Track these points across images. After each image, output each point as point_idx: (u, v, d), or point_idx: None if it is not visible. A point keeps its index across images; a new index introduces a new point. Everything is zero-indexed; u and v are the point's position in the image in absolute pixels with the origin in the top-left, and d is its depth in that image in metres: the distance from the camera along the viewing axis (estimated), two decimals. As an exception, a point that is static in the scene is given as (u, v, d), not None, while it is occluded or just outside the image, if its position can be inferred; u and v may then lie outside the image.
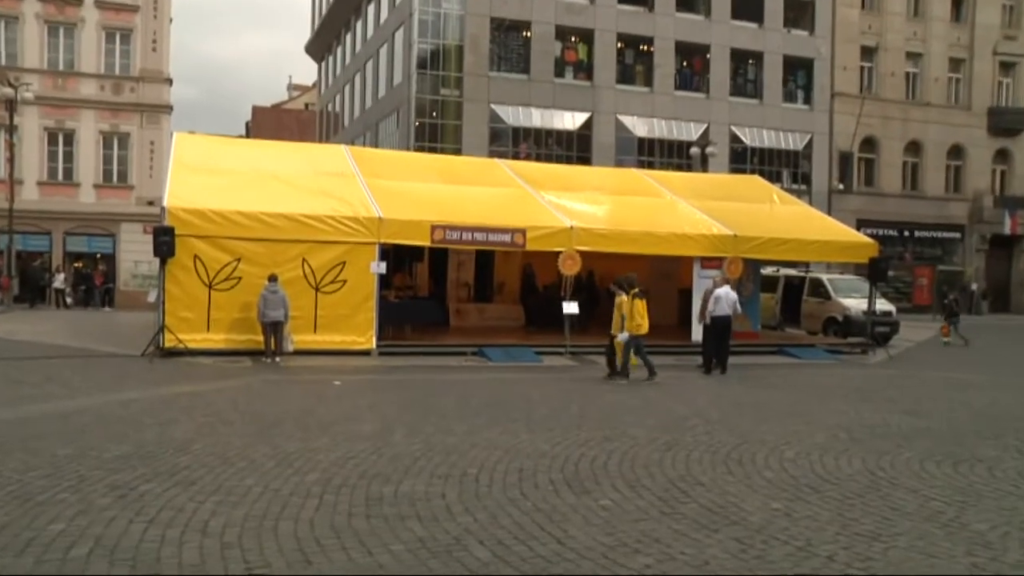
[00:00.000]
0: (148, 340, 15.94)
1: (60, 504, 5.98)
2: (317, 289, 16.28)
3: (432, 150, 34.10)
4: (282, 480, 6.83)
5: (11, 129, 30.09)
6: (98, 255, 34.46)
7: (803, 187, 40.40)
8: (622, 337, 13.90)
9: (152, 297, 17.20)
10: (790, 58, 40.65)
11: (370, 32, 44.06)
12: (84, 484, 6.51)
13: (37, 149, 33.32)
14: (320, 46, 56.00)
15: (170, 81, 35.00)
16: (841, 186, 41.17)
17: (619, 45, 38.29)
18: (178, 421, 9.24)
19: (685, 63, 39.58)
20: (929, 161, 42.89)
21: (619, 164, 35.61)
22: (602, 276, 24.88)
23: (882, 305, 22.75)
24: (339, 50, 51.99)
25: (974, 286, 41.73)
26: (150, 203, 32.32)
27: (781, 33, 40.41)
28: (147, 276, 31.43)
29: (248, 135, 63.29)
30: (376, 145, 40.05)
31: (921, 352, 21.71)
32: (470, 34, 36.01)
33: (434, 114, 36.33)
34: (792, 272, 25.68)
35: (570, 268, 17.55)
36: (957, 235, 43.59)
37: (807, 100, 41.36)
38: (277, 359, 15.24)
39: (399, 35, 37.94)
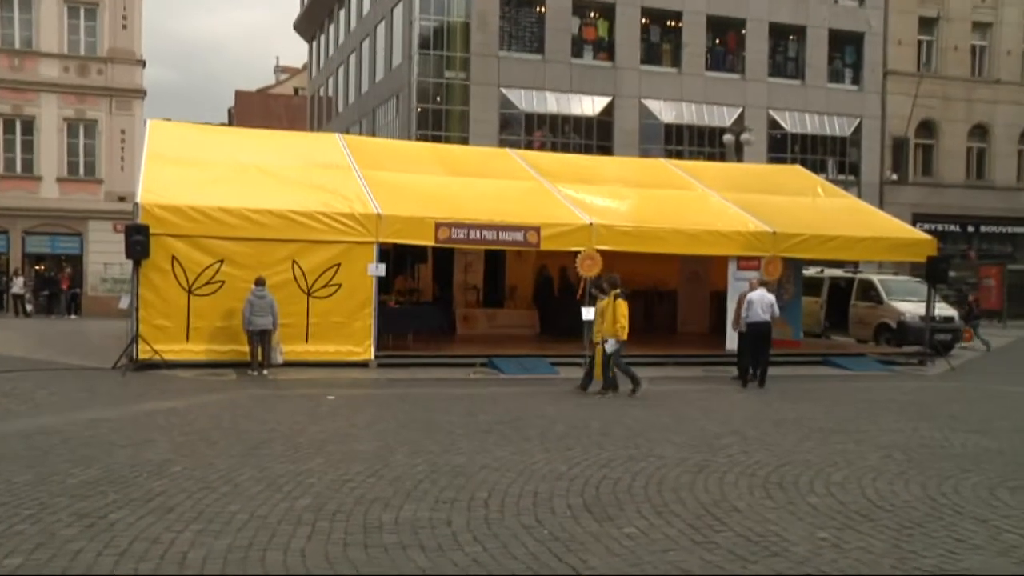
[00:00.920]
0: (120, 352, 16.02)
1: (18, 536, 5.99)
2: (309, 294, 16.34)
3: (436, 139, 34.19)
4: (270, 506, 6.86)
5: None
6: (63, 257, 34.65)
7: (851, 178, 40.29)
8: (610, 346, 13.89)
9: (124, 303, 17.30)
10: (837, 32, 40.54)
11: (366, 8, 44.24)
12: (46, 513, 6.54)
13: (-9, 138, 33.45)
14: (310, 24, 56.25)
15: (143, 62, 35.16)
16: (895, 176, 41.00)
17: (643, 21, 38.29)
18: (154, 441, 9.29)
19: (717, 40, 39.54)
20: (998, 147, 42.55)
21: (644, 154, 35.58)
22: (626, 278, 24.91)
23: (942, 310, 22.65)
24: (332, 28, 52.22)
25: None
26: (121, 199, 32.52)
27: (827, 4, 40.30)
28: (118, 280, 31.65)
29: (231, 123, 63.59)
30: (374, 134, 40.16)
31: (989, 363, 21.59)
32: (477, 10, 36.09)
33: (438, 99, 36.41)
34: (839, 273, 25.60)
35: (589, 269, 17.54)
36: (1030, 230, 43.28)
37: (856, 80, 41.24)
38: (264, 372, 15.30)
39: (398, 11, 38.06)
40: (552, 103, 37.10)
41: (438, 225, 16.89)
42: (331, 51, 52.35)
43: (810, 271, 24.68)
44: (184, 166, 17.43)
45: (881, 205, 34.26)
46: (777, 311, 15.93)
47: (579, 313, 17.05)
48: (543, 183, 19.91)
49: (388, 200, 17.18)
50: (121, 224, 26.69)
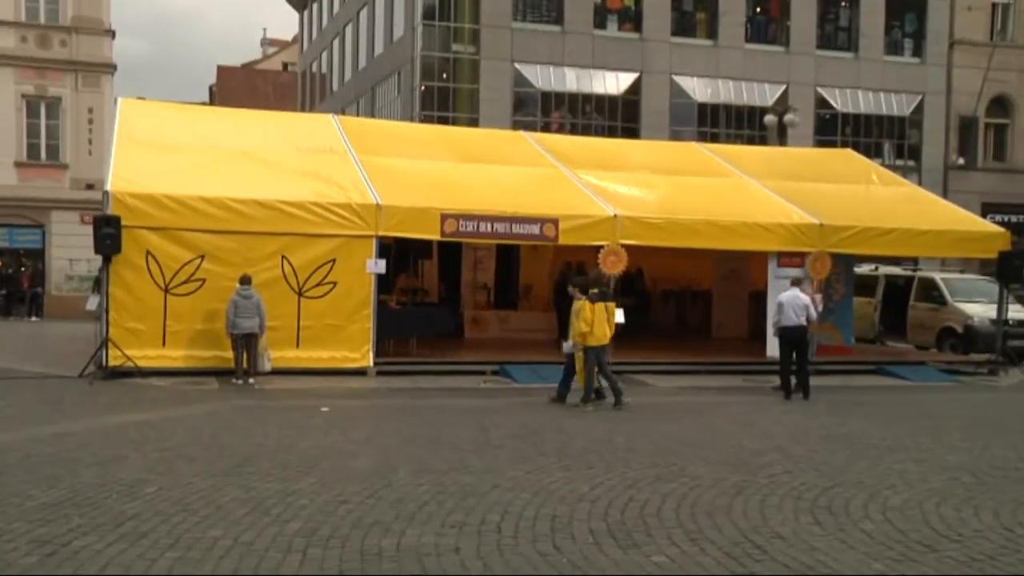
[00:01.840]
0: (87, 358, 16.10)
1: (-27, 564, 6.05)
2: (300, 293, 16.39)
3: (442, 121, 34.23)
4: (257, 531, 6.89)
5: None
6: (22, 252, 34.76)
7: (911, 163, 40.14)
8: (567, 347, 13.98)
9: (92, 304, 17.42)
10: (895, -3, 40.36)
11: (363, -28, 44.35)
12: (1, 540, 6.57)
13: (-62, 117, 33.26)
14: (300, -10, 56.44)
15: (112, 32, 35.21)
16: (962, 161, 40.80)
17: (676, -14, 38.28)
18: (126, 459, 9.34)
19: (759, 8, 39.46)
20: (1083, 127, 42.13)
21: (675, 137, 35.55)
22: (654, 276, 25.04)
23: (1016, 312, 22.51)
24: (324, -5, 52.39)
25: None
26: (89, 186, 32.64)
27: (883, -35, 40.15)
28: (85, 278, 31.76)
29: (213, 102, 63.82)
30: (372, 114, 40.29)
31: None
32: (488, -26, 36.13)
33: (444, 76, 36.47)
34: (896, 271, 25.50)
35: (613, 267, 17.53)
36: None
37: (917, 51, 41.04)
38: (250, 380, 15.35)
39: (399, -24, 38.18)
40: (572, 80, 37.11)
41: (444, 217, 16.90)
42: (325, 22, 52.50)
43: (863, 269, 24.57)
44: (160, 150, 17.50)
45: (945, 194, 34.10)
46: (814, 313, 15.84)
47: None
48: (562, 170, 19.91)
49: (389, 189, 17.21)
50: (89, 215, 26.79)
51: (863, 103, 40.38)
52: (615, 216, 17.73)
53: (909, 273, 25.28)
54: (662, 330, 24.36)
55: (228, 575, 5.94)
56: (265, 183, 16.89)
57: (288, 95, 60.71)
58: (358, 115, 41.70)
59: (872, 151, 36.62)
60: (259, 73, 69.60)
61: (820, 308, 17.13)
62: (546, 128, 34.51)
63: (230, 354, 15.52)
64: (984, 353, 21.15)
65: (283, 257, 16.28)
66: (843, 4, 40.23)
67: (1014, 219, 38.30)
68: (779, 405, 14.80)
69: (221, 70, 68.54)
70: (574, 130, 34.84)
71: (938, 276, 24.73)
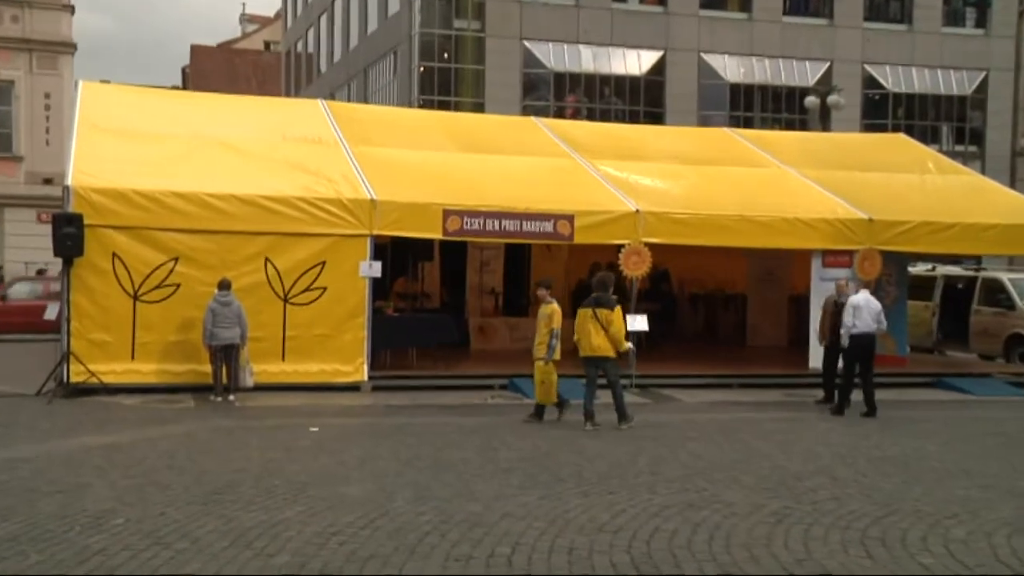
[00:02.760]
0: (47, 373, 16.11)
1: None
2: (286, 300, 16.42)
3: (444, 106, 34.33)
4: (238, 566, 6.90)
5: None
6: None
7: (973, 148, 40.11)
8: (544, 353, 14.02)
9: (51, 313, 17.44)
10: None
11: (353, -61, 44.47)
12: (-49, 579, 6.62)
13: None
14: (283, -40, 56.61)
15: (71, 8, 35.36)
16: (1030, 146, 40.72)
17: (705, -48, 38.30)
18: (89, 486, 9.35)
19: (799, -24, 39.47)
20: None
21: (704, 122, 35.59)
22: (682, 278, 25.02)
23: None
24: (310, -35, 52.52)
25: None
26: (47, 181, 32.77)
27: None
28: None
29: (186, 86, 64.08)
30: (366, 99, 40.40)
31: None
32: (494, -60, 36.21)
33: (445, 55, 36.56)
34: (956, 271, 25.41)
35: (636, 268, 17.54)
36: None
37: (981, 22, 41.01)
38: (231, 397, 15.38)
39: (394, -57, 38.27)
40: (588, 60, 37.16)
41: (447, 213, 16.93)
42: (310, -5, 52.66)
43: (918, 268, 24.50)
44: (127, 140, 17.55)
45: (1013, 183, 34.02)
46: (885, 322, 15.84)
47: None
48: (577, 160, 19.93)
49: (384, 182, 17.24)
50: (47, 213, 26.89)
51: (918, 82, 40.33)
52: (637, 211, 17.73)
53: (971, 273, 25.15)
54: (690, 338, 24.34)
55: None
56: (246, 176, 16.93)
57: (270, 78, 60.94)
58: (349, 100, 41.82)
59: (928, 136, 36.62)
60: (238, 53, 69.85)
61: None
62: (560, 114, 34.61)
63: (207, 368, 15.54)
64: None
65: (266, 259, 16.31)
66: (894, -29, 40.21)
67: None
68: (824, 422, 14.76)
69: (195, 50, 68.78)
70: (591, 115, 34.92)
71: (1005, 277, 24.61)
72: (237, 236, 16.21)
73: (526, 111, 32.86)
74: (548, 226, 17.47)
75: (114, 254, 15.77)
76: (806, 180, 20.40)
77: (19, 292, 27.04)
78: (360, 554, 7.20)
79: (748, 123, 36.26)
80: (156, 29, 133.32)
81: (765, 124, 36.61)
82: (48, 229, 16.30)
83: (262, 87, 56.53)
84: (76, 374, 15.59)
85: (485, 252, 22.50)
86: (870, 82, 39.55)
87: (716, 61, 38.15)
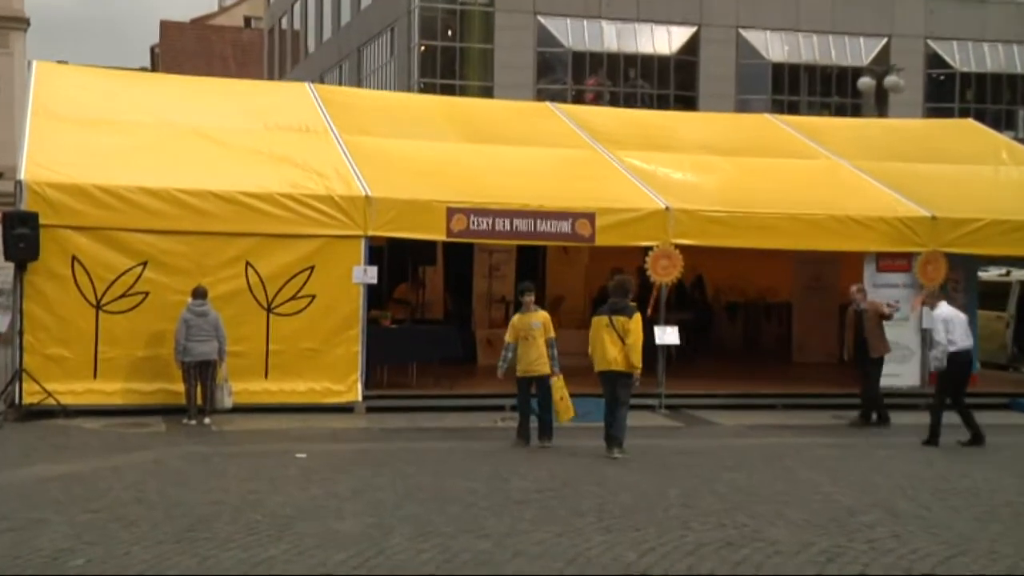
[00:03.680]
0: (-1, 393, 16.15)
1: None
2: (269, 310, 16.42)
3: (447, 90, 34.36)
4: (216, 610, 6.90)
5: None
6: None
7: (1050, 137, 39.92)
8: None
9: (2, 326, 17.46)
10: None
11: (346, -97, 44.59)
12: None
13: None
14: (268, -73, 56.76)
15: (24, -23, 35.45)
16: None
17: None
18: (46, 523, 9.32)
19: (850, -58, 39.43)
20: None
21: (743, 107, 35.57)
22: (718, 285, 24.96)
23: None
24: (297, -67, 52.67)
25: None
26: (-3, 175, 32.80)
27: None
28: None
29: (156, 67, 64.22)
30: (359, 83, 40.47)
31: None
32: (504, -97, 36.27)
33: (449, 33, 36.62)
34: (1034, 277, 25.31)
35: (665, 273, 17.52)
36: None
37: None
38: (206, 420, 15.38)
39: (392, -93, 38.35)
40: (611, 37, 37.17)
41: (451, 211, 16.93)
42: (297, -35, 52.81)
43: (990, 274, 24.41)
44: (88, 128, 17.55)
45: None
46: (971, 336, 15.73)
47: (651, 335, 17.03)
48: (599, 151, 19.93)
49: (381, 177, 17.25)
50: (-1, 212, 26.87)
51: (990, 59, 40.20)
52: (667, 209, 17.71)
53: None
54: (728, 353, 24.27)
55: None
56: (223, 170, 16.95)
57: (252, 58, 61.11)
58: (340, 83, 41.90)
59: (1002, 121, 36.54)
60: (215, 31, 69.98)
61: None
62: (579, 98, 34.59)
63: (180, 387, 15.53)
64: None
65: (247, 264, 16.30)
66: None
67: None
68: (881, 449, 14.68)
69: (166, 27, 68.78)
70: (614, 100, 34.91)
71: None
72: (214, 238, 16.20)
73: (540, 96, 32.85)
74: (566, 226, 17.47)
75: (74, 258, 15.75)
76: (860, 173, 20.35)
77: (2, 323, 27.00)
78: (354, 597, 7.21)
79: (793, 108, 36.22)
80: (121, 3, 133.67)
81: (813, 109, 36.57)
82: (-2, 230, 16.22)
83: (242, 69, 56.70)
84: (30, 394, 15.53)
85: (494, 256, 22.48)
86: (934, 60, 39.45)
87: (757, 38, 38.12)
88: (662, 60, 37.58)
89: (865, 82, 33.37)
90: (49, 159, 16.30)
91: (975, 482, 12.18)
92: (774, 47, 38.31)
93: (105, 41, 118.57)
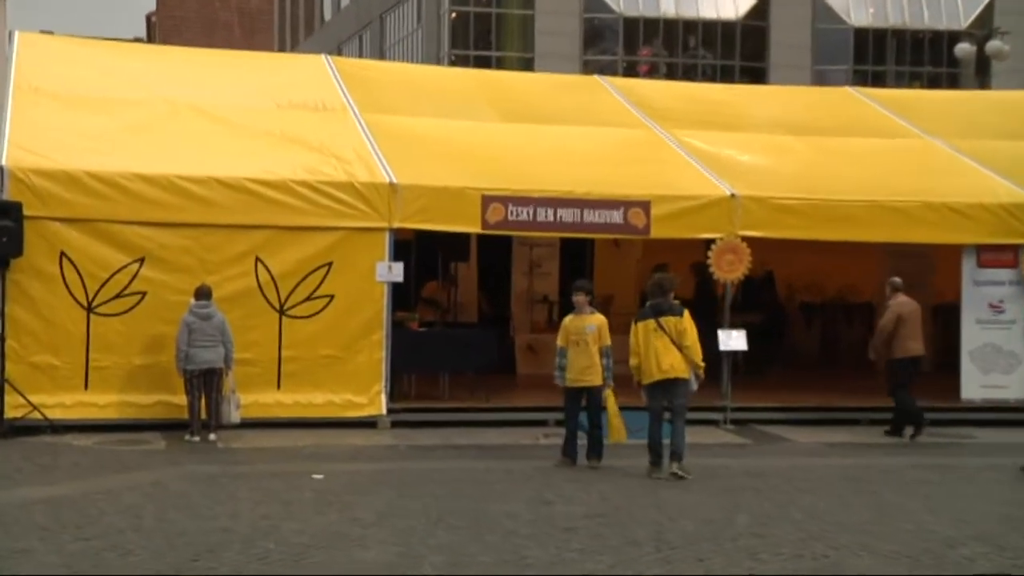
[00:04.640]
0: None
1: None
2: (282, 312, 16.48)
3: (482, 63, 34.39)
4: (223, 651, 6.92)
5: None
6: None
7: None
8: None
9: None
10: None
11: None
12: None
13: None
14: None
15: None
16: None
17: None
18: (30, 552, 9.36)
19: None
20: None
21: (819, 79, 35.44)
22: (791, 283, 24.81)
23: None
24: None
25: None
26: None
27: None
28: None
29: (152, 38, 64.57)
30: (381, 55, 40.56)
31: None
32: None
33: (483, -3, 36.60)
34: None
35: (731, 269, 17.46)
36: None
37: None
38: (212, 436, 15.45)
39: None
40: (668, 1, 37.05)
41: (487, 200, 16.96)
42: (312, -77, 52.99)
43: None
44: (78, 107, 17.67)
45: None
46: None
47: (714, 340, 16.99)
48: (655, 130, 19.91)
49: (407, 161, 17.29)
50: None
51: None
52: (733, 196, 17.68)
53: None
54: (803, 360, 24.14)
55: None
56: (230, 154, 17.02)
57: (260, 27, 61.34)
58: (361, 55, 42.02)
59: None
60: (220, -1, 70.23)
61: None
62: (631, 71, 34.52)
63: (182, 400, 15.59)
64: None
65: (257, 260, 16.37)
66: None
67: None
68: (987, 471, 14.57)
69: (164, -6, 69.17)
70: (671, 73, 34.85)
71: None
72: (219, 231, 16.29)
73: (588, 68, 32.86)
74: (617, 216, 17.46)
75: (62, 254, 15.85)
76: (957, 154, 20.23)
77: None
78: (379, 637, 7.22)
79: (879, 80, 36.04)
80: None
81: (902, 81, 36.36)
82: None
83: (249, 39, 56.94)
84: (14, 408, 15.61)
85: (535, 250, 22.49)
86: (1040, 24, 39.10)
87: (836, 0, 37.94)
88: (726, 26, 37.46)
89: (963, 48, 33.07)
90: (34, 142, 16.38)
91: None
92: (857, 9, 38.12)
93: (95, 8, 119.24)
